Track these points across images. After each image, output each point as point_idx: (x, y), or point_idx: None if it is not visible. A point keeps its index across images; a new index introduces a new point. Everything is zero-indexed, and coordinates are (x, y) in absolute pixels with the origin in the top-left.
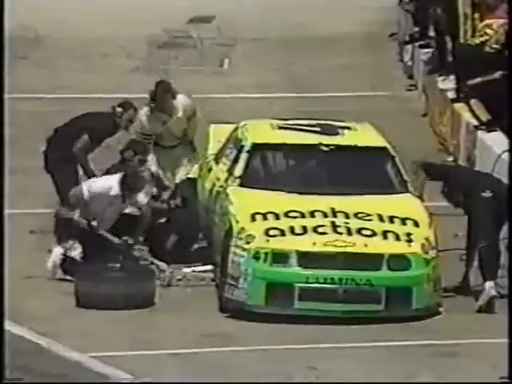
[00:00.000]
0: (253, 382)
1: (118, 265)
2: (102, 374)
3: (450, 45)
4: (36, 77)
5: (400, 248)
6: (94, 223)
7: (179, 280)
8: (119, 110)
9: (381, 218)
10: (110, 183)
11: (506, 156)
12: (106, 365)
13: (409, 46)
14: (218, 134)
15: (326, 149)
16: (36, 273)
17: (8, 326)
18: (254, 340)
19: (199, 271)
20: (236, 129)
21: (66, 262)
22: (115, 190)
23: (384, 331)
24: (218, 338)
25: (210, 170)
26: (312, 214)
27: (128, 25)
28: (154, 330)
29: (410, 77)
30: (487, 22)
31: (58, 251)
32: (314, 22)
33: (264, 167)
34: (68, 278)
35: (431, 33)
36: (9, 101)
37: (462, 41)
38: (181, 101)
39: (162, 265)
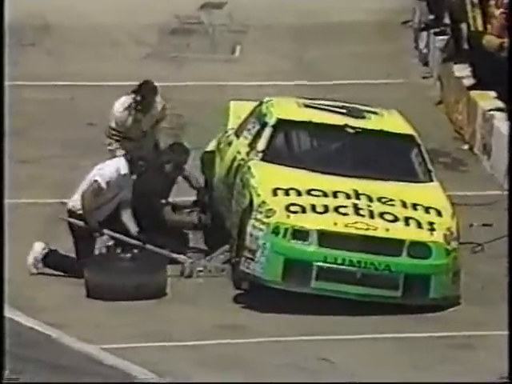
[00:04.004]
0: (263, 383)
1: (129, 255)
2: (113, 367)
3: (465, 32)
4: (45, 64)
5: (422, 236)
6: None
7: (200, 271)
8: None
9: (404, 205)
10: (118, 164)
11: None
12: (116, 357)
13: (424, 34)
14: (237, 111)
15: (351, 131)
16: None
17: (17, 316)
18: (267, 331)
19: (217, 255)
20: (260, 104)
21: (49, 256)
22: (124, 168)
23: (397, 323)
24: (231, 330)
25: (230, 143)
26: (335, 194)
27: (138, 11)
28: (166, 322)
29: (426, 64)
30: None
31: (38, 246)
32: (328, 9)
33: (288, 144)
34: (48, 271)
35: (446, 20)
36: (17, 88)
37: (472, 28)
38: (159, 101)
39: (181, 257)
